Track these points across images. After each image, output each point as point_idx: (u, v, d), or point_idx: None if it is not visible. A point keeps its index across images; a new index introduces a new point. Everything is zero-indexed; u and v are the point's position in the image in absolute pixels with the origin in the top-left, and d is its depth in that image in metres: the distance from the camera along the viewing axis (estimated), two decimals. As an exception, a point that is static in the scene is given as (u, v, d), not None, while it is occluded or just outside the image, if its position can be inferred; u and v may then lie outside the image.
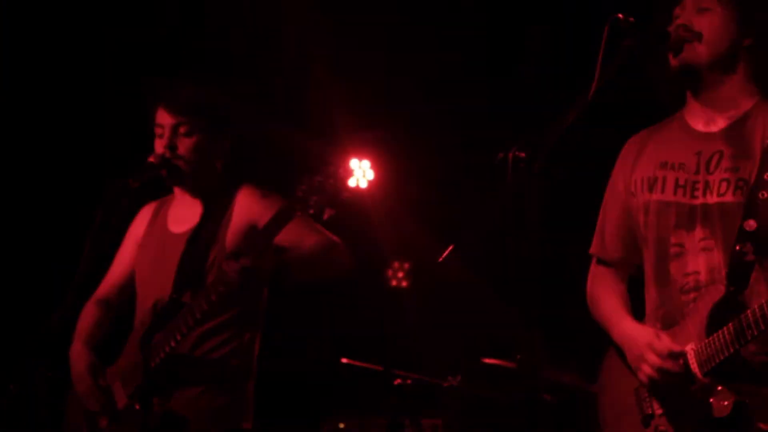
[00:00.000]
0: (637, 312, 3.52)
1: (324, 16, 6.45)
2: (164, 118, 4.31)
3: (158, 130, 4.32)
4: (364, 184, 7.68)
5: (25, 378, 4.30)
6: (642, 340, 3.30)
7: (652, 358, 3.23)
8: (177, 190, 4.47)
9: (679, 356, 3.20)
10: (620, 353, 3.45)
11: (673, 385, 3.22)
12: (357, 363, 6.26)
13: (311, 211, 3.80)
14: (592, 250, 3.70)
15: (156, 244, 4.44)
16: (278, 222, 3.89)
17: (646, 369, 3.26)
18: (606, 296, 3.60)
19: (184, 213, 4.43)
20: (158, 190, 4.54)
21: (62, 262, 4.54)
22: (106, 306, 4.53)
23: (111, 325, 4.53)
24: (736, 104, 3.35)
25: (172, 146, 4.26)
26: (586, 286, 3.71)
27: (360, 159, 7.63)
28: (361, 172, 7.66)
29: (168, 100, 4.36)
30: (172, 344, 4.04)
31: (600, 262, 3.69)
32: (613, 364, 3.51)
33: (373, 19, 6.62)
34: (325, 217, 3.81)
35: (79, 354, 4.34)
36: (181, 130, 4.28)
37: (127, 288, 4.52)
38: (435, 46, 6.85)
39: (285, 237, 4.02)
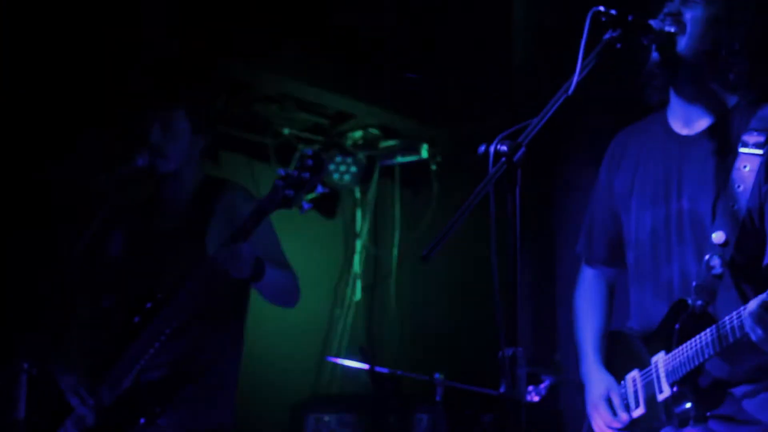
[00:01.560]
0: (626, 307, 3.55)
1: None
2: (148, 113, 4.31)
3: (141, 124, 4.31)
4: (347, 179, 7.72)
5: (10, 376, 4.27)
6: (599, 388, 3.44)
7: (604, 414, 3.39)
8: (158, 187, 4.45)
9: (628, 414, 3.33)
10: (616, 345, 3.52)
11: None
12: (342, 361, 6.24)
13: (287, 205, 3.78)
14: (579, 249, 3.71)
15: (138, 242, 4.42)
16: (257, 216, 3.88)
17: (597, 419, 3.42)
18: (583, 317, 3.67)
19: (165, 211, 4.42)
20: (140, 188, 4.54)
21: (46, 258, 4.52)
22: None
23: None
24: (714, 106, 3.29)
25: (156, 141, 4.27)
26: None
27: (344, 155, 7.66)
28: (345, 167, 7.70)
29: (149, 98, 4.39)
30: (162, 338, 4.04)
31: (586, 262, 3.70)
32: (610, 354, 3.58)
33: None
34: (303, 211, 3.80)
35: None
36: (166, 124, 4.30)
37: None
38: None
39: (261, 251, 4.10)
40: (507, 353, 2.54)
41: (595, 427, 3.43)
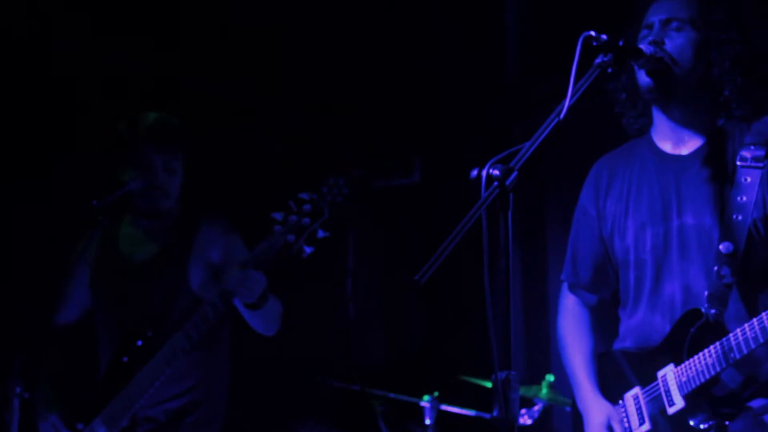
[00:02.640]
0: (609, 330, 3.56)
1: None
2: (155, 155, 4.32)
3: (145, 164, 4.31)
4: (339, 200, 7.70)
5: (2, 400, 4.26)
6: (599, 418, 3.41)
7: None
8: (137, 214, 4.44)
9: None
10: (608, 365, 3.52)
11: None
12: (333, 382, 6.23)
13: (287, 251, 3.77)
14: (564, 276, 3.72)
15: (115, 272, 4.38)
16: (258, 264, 3.86)
17: None
18: (571, 344, 3.67)
19: (140, 239, 4.39)
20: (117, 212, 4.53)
21: (35, 281, 4.51)
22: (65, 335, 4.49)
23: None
24: (704, 125, 3.37)
25: (163, 184, 4.30)
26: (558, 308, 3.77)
27: (337, 176, 7.66)
28: (338, 189, 7.69)
29: (160, 138, 4.36)
30: (150, 391, 4.02)
31: (571, 288, 3.71)
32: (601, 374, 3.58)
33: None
34: (305, 256, 3.78)
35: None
36: (170, 166, 4.34)
37: (84, 311, 4.48)
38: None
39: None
40: (500, 376, 2.55)
41: None
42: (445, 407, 5.78)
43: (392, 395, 6.00)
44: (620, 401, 3.40)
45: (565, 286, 3.74)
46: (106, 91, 5.87)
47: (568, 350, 3.65)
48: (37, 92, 5.64)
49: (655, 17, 3.37)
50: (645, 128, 3.53)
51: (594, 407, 3.46)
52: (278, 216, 3.80)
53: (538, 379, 5.68)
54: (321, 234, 3.80)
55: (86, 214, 4.11)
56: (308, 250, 3.79)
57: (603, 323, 3.66)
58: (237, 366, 4.51)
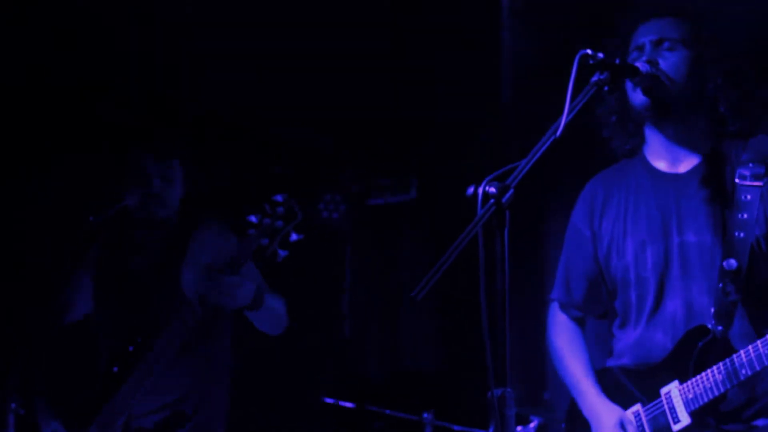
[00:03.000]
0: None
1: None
2: (150, 164, 4.33)
3: (142, 174, 4.32)
4: (336, 216, 7.72)
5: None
6: (610, 420, 3.35)
7: None
8: (136, 221, 4.43)
9: None
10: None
11: None
12: (329, 399, 6.22)
13: (262, 254, 3.75)
14: (555, 296, 3.72)
15: (114, 279, 4.39)
16: (231, 268, 3.85)
17: None
18: (570, 357, 3.64)
19: (140, 246, 4.40)
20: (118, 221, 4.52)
21: (34, 287, 4.51)
22: (65, 341, 4.49)
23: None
24: (700, 143, 3.39)
25: (158, 192, 4.29)
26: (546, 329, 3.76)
27: (332, 192, 7.67)
28: (333, 206, 7.71)
29: (154, 147, 4.38)
30: (138, 397, 4.01)
31: (562, 307, 3.71)
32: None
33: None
34: (279, 259, 3.76)
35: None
36: (165, 174, 4.33)
37: (83, 317, 4.48)
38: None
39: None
40: (496, 393, 2.55)
41: None
42: (441, 423, 5.77)
43: (389, 412, 6.00)
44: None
45: (555, 305, 3.74)
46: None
47: (567, 362, 3.63)
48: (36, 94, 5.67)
49: (645, 38, 3.39)
50: (636, 149, 3.55)
51: (604, 410, 3.41)
52: (254, 219, 3.78)
53: (534, 398, 5.68)
54: (294, 237, 3.76)
55: (84, 229, 4.11)
56: (282, 253, 3.77)
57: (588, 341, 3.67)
58: (232, 383, 4.50)
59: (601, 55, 3.06)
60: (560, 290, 3.69)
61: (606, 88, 3.10)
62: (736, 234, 3.20)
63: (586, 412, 3.47)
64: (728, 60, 3.36)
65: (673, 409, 3.21)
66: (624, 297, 3.47)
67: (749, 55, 3.44)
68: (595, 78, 3.04)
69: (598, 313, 3.64)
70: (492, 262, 2.57)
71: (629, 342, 3.42)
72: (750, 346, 3.04)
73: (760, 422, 3.18)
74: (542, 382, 6.23)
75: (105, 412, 4.08)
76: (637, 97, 3.34)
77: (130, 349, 4.09)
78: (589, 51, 3.03)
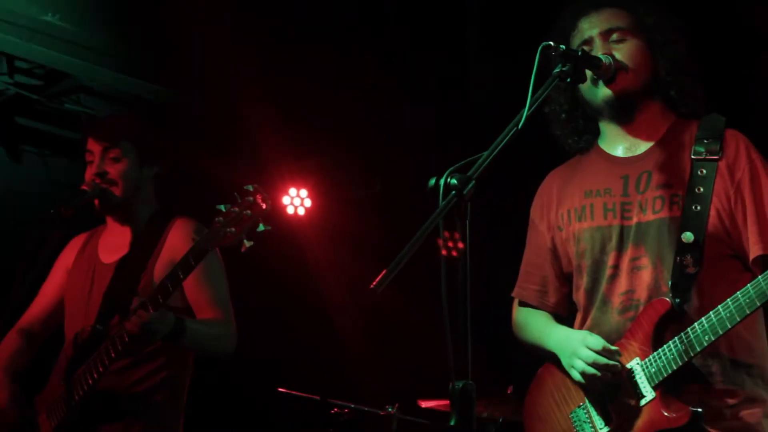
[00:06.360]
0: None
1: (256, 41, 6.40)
2: (93, 146, 4.34)
3: (89, 157, 4.36)
4: (301, 212, 7.71)
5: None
6: (576, 337, 3.34)
7: (586, 353, 3.26)
8: (109, 220, 4.45)
9: (613, 353, 3.23)
10: (551, 378, 3.49)
11: (606, 380, 3.24)
12: (294, 392, 6.21)
13: (227, 243, 3.71)
14: (515, 292, 3.72)
15: (85, 273, 4.39)
16: (196, 256, 3.82)
17: (579, 364, 3.28)
18: (532, 318, 3.64)
19: (115, 242, 4.40)
20: (91, 222, 4.52)
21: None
22: (29, 335, 4.48)
23: (33, 355, 4.48)
24: (656, 127, 3.44)
25: (101, 172, 4.28)
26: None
27: (298, 188, 7.66)
28: (299, 201, 7.69)
29: (95, 128, 4.41)
30: (95, 376, 3.99)
31: (521, 303, 3.71)
32: (542, 393, 3.53)
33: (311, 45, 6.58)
34: (243, 249, 3.72)
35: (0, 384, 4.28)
36: (110, 155, 4.32)
37: (54, 317, 4.48)
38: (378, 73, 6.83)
39: (191, 296, 4.15)
40: (457, 386, 2.53)
41: (575, 374, 3.31)
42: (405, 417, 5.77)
43: (353, 406, 5.99)
44: (581, 404, 3.39)
45: (517, 302, 3.74)
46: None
47: (532, 320, 3.63)
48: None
49: (591, 31, 3.41)
50: (590, 144, 3.57)
51: (566, 333, 3.43)
52: (223, 208, 3.75)
53: (500, 392, 5.67)
54: (262, 227, 3.73)
55: (50, 219, 4.10)
56: (248, 243, 3.73)
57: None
58: (198, 378, 4.46)
59: (563, 46, 3.07)
60: (519, 287, 3.70)
61: (568, 80, 3.11)
62: (693, 207, 3.24)
63: (553, 346, 3.46)
64: (672, 46, 3.40)
65: (635, 386, 3.22)
66: (578, 283, 3.48)
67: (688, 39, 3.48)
68: (557, 69, 3.05)
69: (554, 305, 3.62)
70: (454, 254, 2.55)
71: (587, 325, 3.43)
72: (704, 317, 3.07)
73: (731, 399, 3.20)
74: (508, 378, 6.22)
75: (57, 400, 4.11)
76: (601, 91, 3.36)
77: (88, 334, 4.09)
78: (551, 42, 3.04)
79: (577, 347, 3.30)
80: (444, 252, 2.57)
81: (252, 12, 6.18)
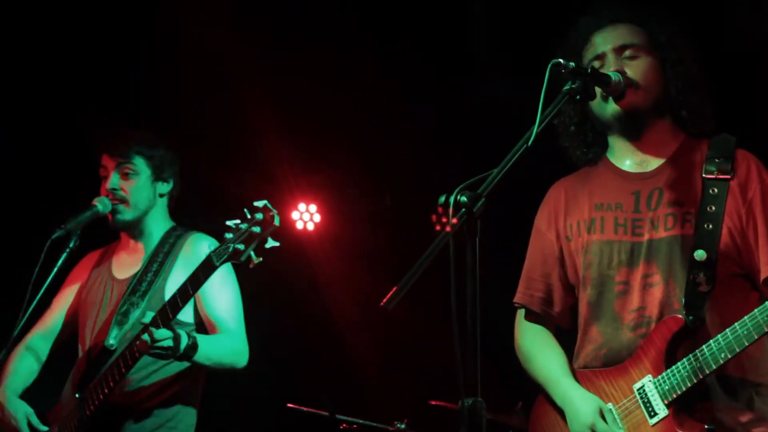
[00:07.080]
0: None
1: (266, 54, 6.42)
2: (107, 161, 4.38)
3: (102, 172, 4.38)
4: (311, 227, 7.71)
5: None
6: (589, 408, 3.31)
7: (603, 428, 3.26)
8: (123, 236, 4.47)
9: None
10: (553, 405, 3.47)
11: None
12: (303, 408, 6.20)
13: (236, 259, 3.71)
14: (519, 299, 3.69)
15: (99, 289, 4.40)
16: (202, 273, 3.82)
17: None
18: (540, 353, 3.59)
19: (128, 258, 4.42)
20: (107, 236, 4.53)
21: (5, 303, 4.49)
22: (37, 350, 4.48)
23: (41, 370, 4.48)
24: (666, 145, 3.45)
25: (115, 187, 4.29)
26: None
27: (307, 203, 7.66)
28: (308, 216, 7.70)
29: (109, 144, 4.43)
30: (106, 391, 4.00)
31: (527, 312, 3.69)
32: (548, 411, 3.51)
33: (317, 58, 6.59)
34: (252, 266, 3.72)
35: (7, 400, 4.29)
36: (124, 170, 4.32)
37: (63, 333, 4.49)
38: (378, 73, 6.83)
39: (202, 311, 4.17)
40: (466, 402, 2.53)
41: None
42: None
43: (362, 422, 5.98)
44: None
45: (521, 312, 3.71)
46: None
47: (539, 361, 3.58)
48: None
49: (605, 47, 3.42)
50: (599, 156, 3.57)
51: (579, 396, 3.37)
52: (232, 224, 3.75)
53: (509, 407, 5.66)
54: (270, 243, 3.72)
55: (58, 235, 4.11)
56: (256, 260, 3.73)
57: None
58: (209, 393, 4.47)
59: (572, 64, 3.08)
60: (523, 294, 3.67)
61: (578, 97, 3.12)
62: (705, 226, 3.25)
63: (560, 401, 3.43)
64: (684, 65, 3.41)
65: (648, 404, 3.22)
66: (585, 294, 3.47)
67: (701, 60, 3.49)
68: (567, 86, 3.06)
69: (558, 315, 3.61)
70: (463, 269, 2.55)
71: (596, 342, 3.42)
72: (720, 335, 3.08)
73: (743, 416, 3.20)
74: (517, 392, 6.21)
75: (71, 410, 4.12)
76: (610, 107, 3.36)
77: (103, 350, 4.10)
78: (561, 60, 3.05)
79: (591, 417, 3.29)
80: (453, 268, 2.57)
81: (252, 12, 6.20)
